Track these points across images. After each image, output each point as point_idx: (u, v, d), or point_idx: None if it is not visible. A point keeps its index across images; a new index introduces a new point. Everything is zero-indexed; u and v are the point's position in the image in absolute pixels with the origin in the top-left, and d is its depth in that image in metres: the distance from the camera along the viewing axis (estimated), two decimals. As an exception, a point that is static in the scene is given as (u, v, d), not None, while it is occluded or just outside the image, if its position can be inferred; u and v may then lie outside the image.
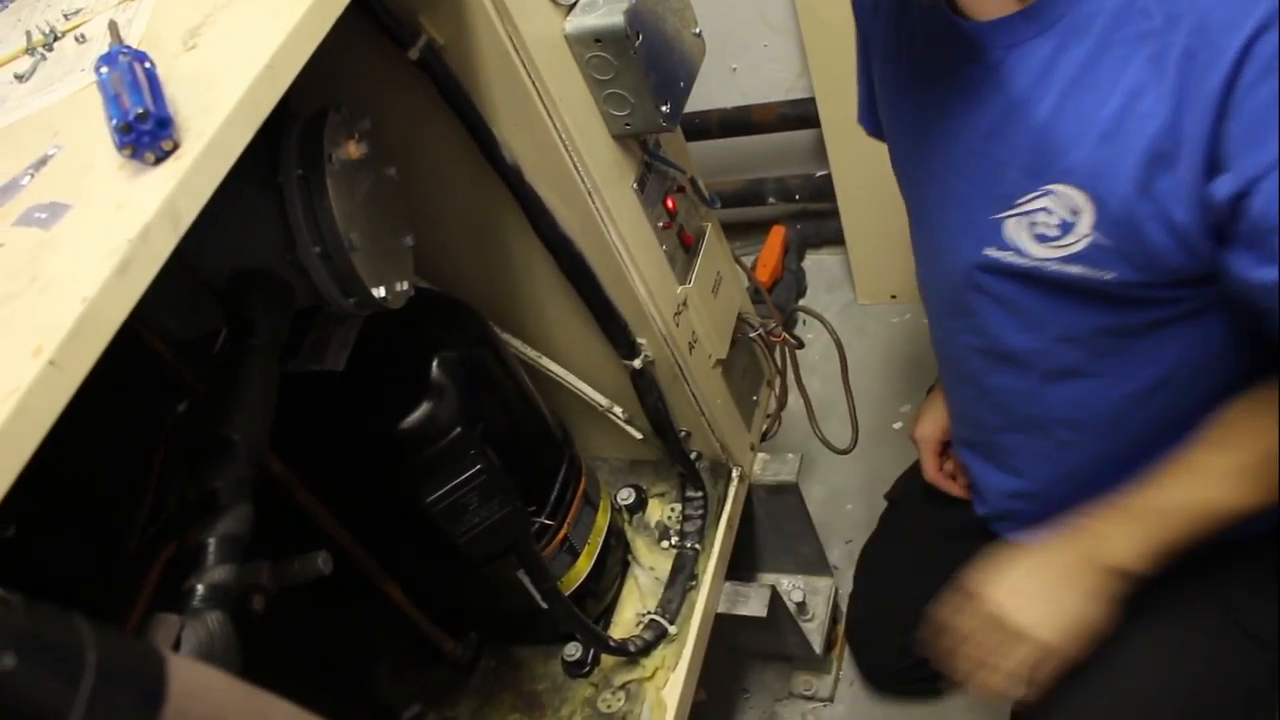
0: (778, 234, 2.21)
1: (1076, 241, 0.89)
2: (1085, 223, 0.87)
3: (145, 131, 0.62)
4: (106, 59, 0.68)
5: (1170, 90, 0.78)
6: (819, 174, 2.11)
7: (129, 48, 0.70)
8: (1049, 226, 0.90)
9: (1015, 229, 0.93)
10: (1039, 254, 0.93)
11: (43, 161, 0.71)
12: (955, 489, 1.31)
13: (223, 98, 0.66)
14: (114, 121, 0.62)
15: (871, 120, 1.22)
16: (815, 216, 2.25)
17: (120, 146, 0.62)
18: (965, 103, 0.94)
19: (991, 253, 0.96)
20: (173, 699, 0.35)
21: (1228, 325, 0.92)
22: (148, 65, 0.68)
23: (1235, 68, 0.74)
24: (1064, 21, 0.84)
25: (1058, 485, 1.09)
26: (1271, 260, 0.78)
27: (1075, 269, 0.91)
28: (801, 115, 2.02)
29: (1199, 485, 0.93)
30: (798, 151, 2.16)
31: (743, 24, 2.01)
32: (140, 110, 0.62)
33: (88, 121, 0.73)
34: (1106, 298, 0.92)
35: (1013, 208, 0.92)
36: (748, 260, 2.22)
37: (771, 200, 2.18)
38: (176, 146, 0.63)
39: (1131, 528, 0.95)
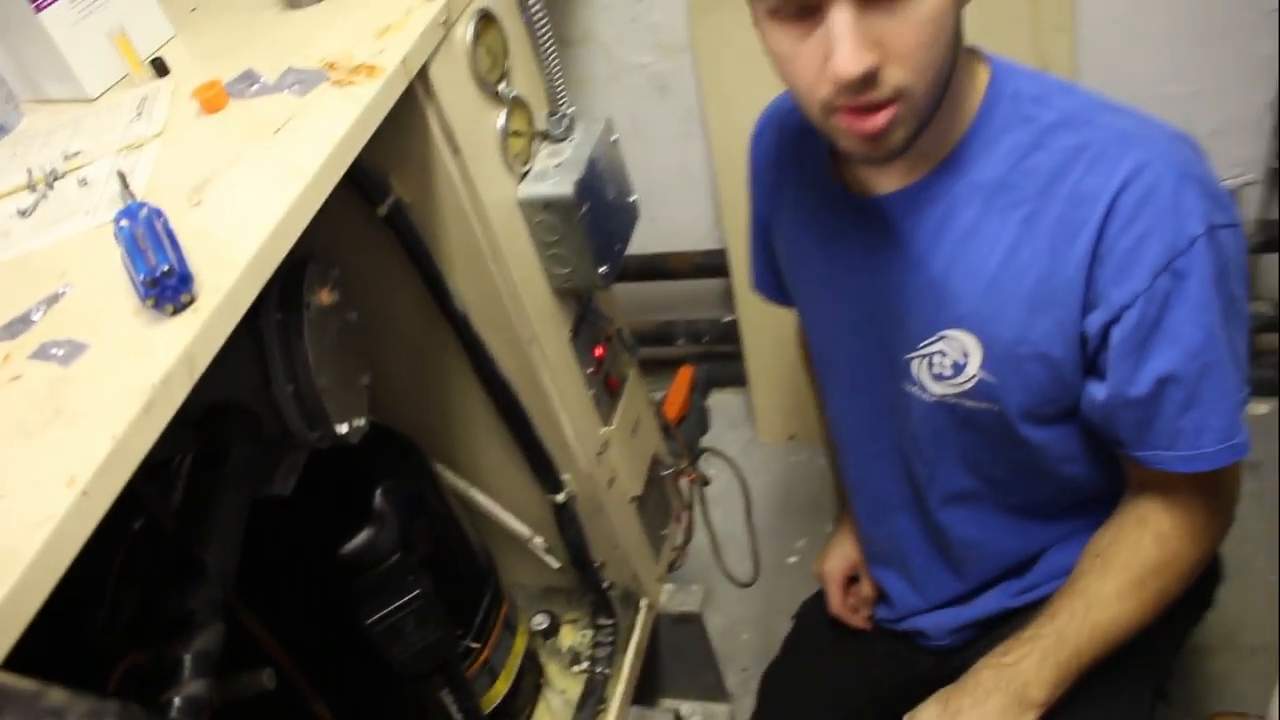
0: (686, 373, 2.33)
1: (968, 380, 1.03)
2: (974, 363, 1.02)
3: (169, 286, 0.70)
4: (127, 214, 0.76)
5: (1045, 246, 0.94)
6: (726, 319, 2.25)
7: (147, 204, 0.77)
8: (944, 366, 1.04)
9: (919, 368, 1.07)
10: (938, 390, 1.06)
11: (53, 299, 0.78)
12: (858, 620, 1.40)
13: (236, 257, 0.74)
14: (141, 275, 0.70)
15: (768, 287, 1.35)
16: (721, 358, 2.38)
17: (144, 298, 0.70)
18: (871, 262, 1.07)
19: (907, 388, 1.10)
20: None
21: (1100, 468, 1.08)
22: (164, 221, 0.76)
23: (1101, 228, 0.91)
24: (950, 195, 0.99)
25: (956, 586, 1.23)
26: (1133, 375, 0.94)
27: (969, 403, 1.05)
28: (713, 264, 2.17)
29: (1093, 610, 1.02)
30: (708, 297, 2.31)
31: (664, 176, 2.17)
32: (166, 267, 0.70)
33: (96, 265, 0.80)
34: (997, 430, 1.06)
35: (916, 350, 1.06)
36: (656, 395, 2.34)
37: (681, 341, 2.31)
38: (194, 300, 0.72)
39: (1046, 661, 1.02)
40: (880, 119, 0.87)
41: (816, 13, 0.83)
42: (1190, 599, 1.12)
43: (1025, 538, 1.18)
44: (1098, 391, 0.98)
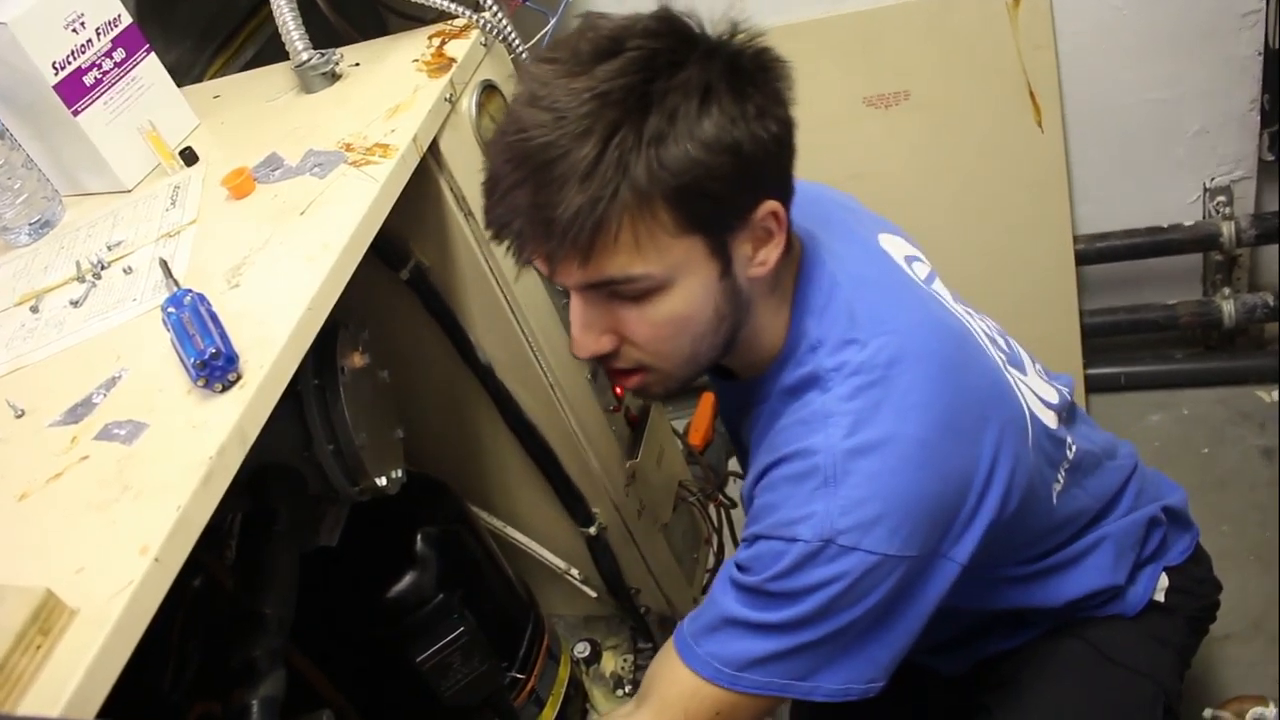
0: (708, 400, 2.38)
1: None
2: None
3: (217, 367, 0.77)
4: (174, 301, 0.83)
5: None
6: (744, 344, 2.32)
7: (191, 290, 0.85)
8: None
9: None
10: None
11: (112, 383, 0.86)
12: None
13: (275, 335, 0.81)
14: (192, 359, 0.77)
15: None
16: (742, 382, 2.44)
17: (196, 379, 0.77)
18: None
19: None
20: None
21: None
22: (208, 306, 0.83)
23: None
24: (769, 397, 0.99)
25: None
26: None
27: None
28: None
29: None
30: (724, 324, 2.37)
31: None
32: (213, 350, 0.77)
33: (148, 348, 0.87)
34: None
35: None
36: (680, 424, 2.39)
37: (701, 368, 2.37)
38: (240, 377, 0.78)
39: None
40: (630, 381, 0.93)
41: None
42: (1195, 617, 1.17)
43: (1007, 637, 1.20)
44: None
